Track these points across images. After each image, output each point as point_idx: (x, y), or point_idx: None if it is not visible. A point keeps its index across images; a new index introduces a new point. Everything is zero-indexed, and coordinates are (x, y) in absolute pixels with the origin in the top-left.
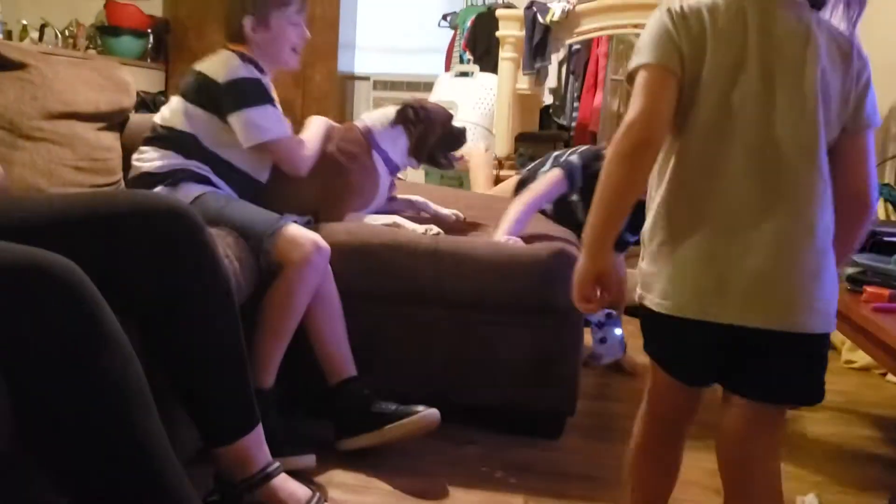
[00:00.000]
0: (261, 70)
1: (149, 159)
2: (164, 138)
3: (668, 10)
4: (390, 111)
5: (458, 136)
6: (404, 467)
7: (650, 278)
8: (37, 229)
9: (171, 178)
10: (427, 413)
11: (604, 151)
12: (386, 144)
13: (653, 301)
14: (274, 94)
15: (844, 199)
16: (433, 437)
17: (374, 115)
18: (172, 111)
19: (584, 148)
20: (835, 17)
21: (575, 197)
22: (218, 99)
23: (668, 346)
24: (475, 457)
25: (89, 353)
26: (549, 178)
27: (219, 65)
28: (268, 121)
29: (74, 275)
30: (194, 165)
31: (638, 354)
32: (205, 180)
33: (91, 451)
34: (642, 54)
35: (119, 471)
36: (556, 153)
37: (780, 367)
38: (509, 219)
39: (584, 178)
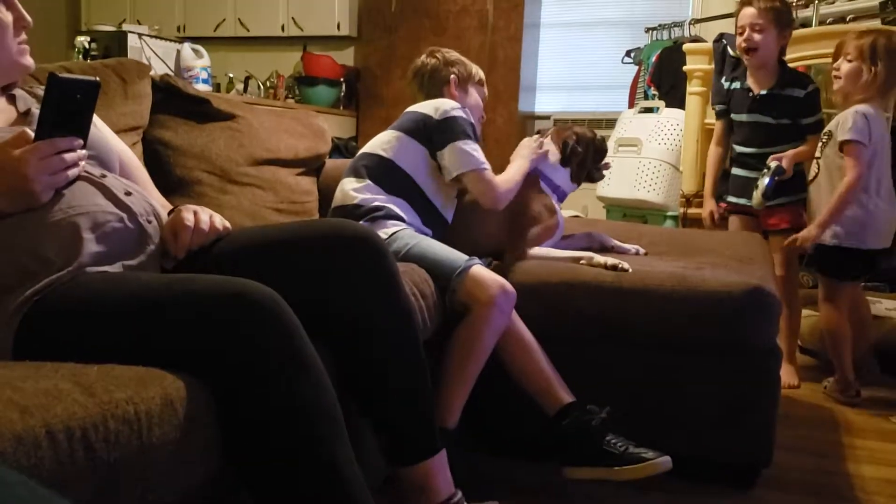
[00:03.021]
0: None
1: (355, 189)
2: (371, 168)
3: (864, 116)
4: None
5: (603, 148)
6: None
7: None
8: (243, 259)
9: (372, 213)
10: (659, 461)
11: None
12: (554, 175)
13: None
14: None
15: None
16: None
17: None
18: (384, 142)
19: None
20: None
21: None
22: (431, 132)
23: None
24: None
25: (286, 376)
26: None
27: (437, 103)
28: (475, 154)
29: (275, 303)
30: (394, 202)
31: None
32: (401, 219)
33: (284, 471)
34: (854, 135)
35: (310, 492)
36: None
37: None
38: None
39: None
